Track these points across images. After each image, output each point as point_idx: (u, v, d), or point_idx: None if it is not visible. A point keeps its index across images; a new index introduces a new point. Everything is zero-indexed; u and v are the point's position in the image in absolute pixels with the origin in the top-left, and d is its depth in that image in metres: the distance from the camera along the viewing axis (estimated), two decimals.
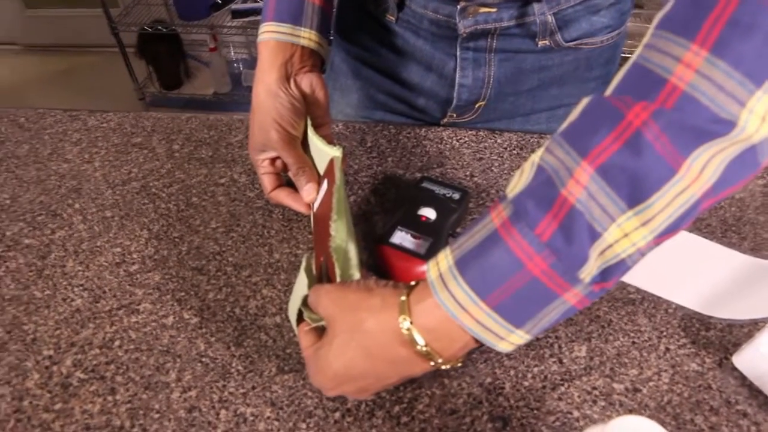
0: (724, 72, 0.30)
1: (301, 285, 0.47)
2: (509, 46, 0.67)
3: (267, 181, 0.60)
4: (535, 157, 0.36)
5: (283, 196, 0.60)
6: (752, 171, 0.33)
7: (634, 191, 0.32)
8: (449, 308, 0.36)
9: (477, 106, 0.73)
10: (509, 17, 0.63)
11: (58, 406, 0.47)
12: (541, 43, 0.66)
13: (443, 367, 0.39)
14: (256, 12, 2.13)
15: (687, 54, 0.31)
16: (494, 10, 0.63)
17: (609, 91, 0.35)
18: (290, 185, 0.61)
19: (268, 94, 0.57)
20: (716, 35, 0.30)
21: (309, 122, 0.59)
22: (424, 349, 0.37)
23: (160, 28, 2.21)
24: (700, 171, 0.31)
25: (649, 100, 0.32)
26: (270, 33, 0.58)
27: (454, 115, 0.76)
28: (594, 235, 0.33)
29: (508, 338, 0.36)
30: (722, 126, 0.31)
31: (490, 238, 0.35)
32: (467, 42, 0.67)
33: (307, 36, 0.58)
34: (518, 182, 0.36)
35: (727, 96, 0.30)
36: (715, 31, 0.30)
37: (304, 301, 0.45)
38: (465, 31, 0.65)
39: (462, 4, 0.62)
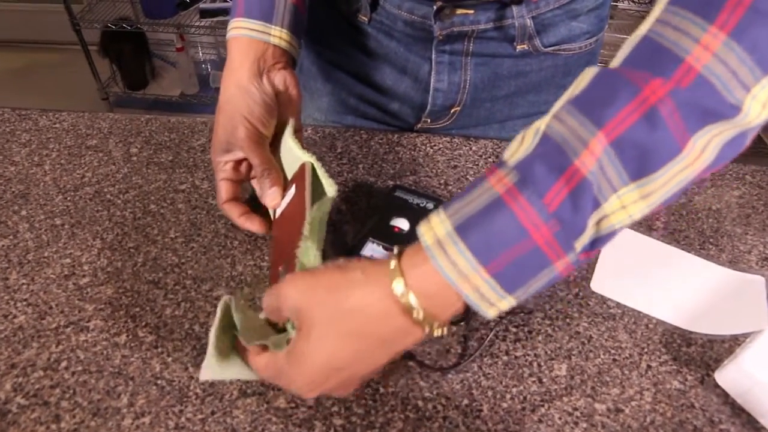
0: (739, 57, 0.31)
1: (224, 323, 0.43)
2: (486, 50, 0.65)
3: (224, 189, 0.55)
4: (540, 125, 0.35)
5: (235, 213, 0.55)
6: (737, 152, 0.34)
7: (641, 165, 0.32)
8: (448, 274, 0.34)
9: (452, 111, 0.71)
10: (486, 20, 0.61)
11: None
12: (519, 48, 0.65)
13: (435, 333, 0.37)
14: (225, 12, 2.08)
15: (705, 36, 0.31)
16: (471, 12, 0.60)
17: (617, 62, 0.35)
18: (251, 201, 0.57)
19: (239, 89, 0.53)
20: (737, 20, 0.31)
21: (290, 124, 0.55)
22: (421, 314, 0.35)
23: (124, 26, 2.14)
24: (701, 151, 0.33)
25: (665, 78, 0.32)
26: (240, 29, 0.55)
27: (429, 121, 0.73)
28: (596, 206, 0.33)
29: (498, 304, 0.35)
30: (729, 110, 0.32)
31: (493, 205, 0.33)
32: (443, 45, 0.64)
33: (278, 35, 0.55)
34: (519, 149, 0.35)
35: (738, 82, 0.31)
36: (735, 15, 0.31)
37: (243, 331, 0.42)
38: (441, 34, 0.62)
39: (438, 4, 0.60)
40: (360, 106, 0.76)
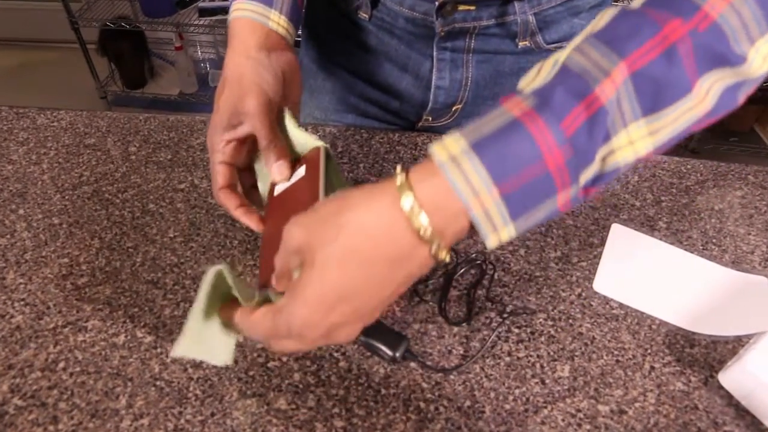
0: (751, 10, 0.33)
1: (214, 292, 0.42)
2: (488, 47, 0.64)
3: (221, 173, 0.51)
4: (559, 57, 0.35)
5: (232, 204, 0.51)
6: (733, 106, 0.36)
7: (655, 101, 0.33)
8: (461, 190, 0.33)
9: (454, 109, 0.71)
10: (488, 16, 0.61)
11: None
12: (521, 44, 0.64)
13: (440, 257, 0.36)
14: (224, 10, 2.07)
15: None
16: (473, 8, 0.60)
17: (637, 4, 0.36)
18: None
19: (248, 59, 0.51)
20: None
21: (287, 110, 0.53)
22: (429, 231, 0.34)
23: (123, 24, 2.13)
24: (705, 93, 0.34)
25: (685, 19, 0.33)
26: (242, 11, 0.53)
27: (430, 119, 0.73)
28: (606, 138, 0.33)
29: (500, 231, 0.34)
30: (736, 58, 0.33)
31: (510, 126, 0.33)
32: (444, 42, 0.64)
33: (276, 20, 0.54)
34: (535, 79, 0.35)
35: (746, 34, 0.33)
36: None
37: (241, 291, 0.41)
38: (442, 30, 0.62)
39: (440, 1, 0.59)
40: (361, 105, 0.75)
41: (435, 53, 0.65)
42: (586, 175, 0.34)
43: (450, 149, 0.34)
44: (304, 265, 0.36)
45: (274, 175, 0.51)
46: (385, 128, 0.74)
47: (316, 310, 0.35)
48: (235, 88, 0.51)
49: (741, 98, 0.36)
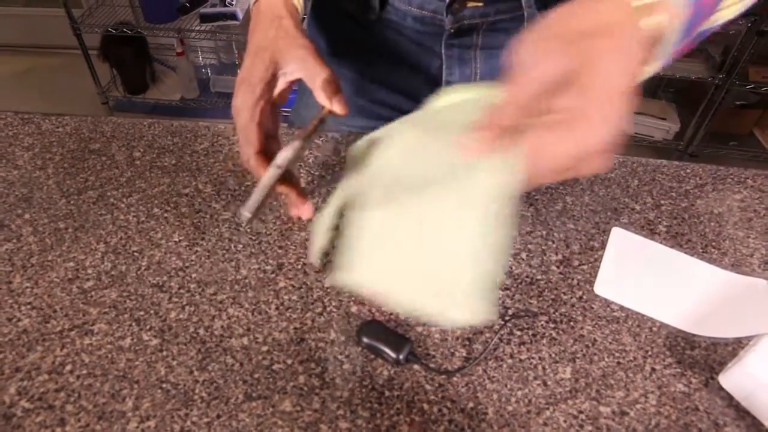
0: None
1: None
2: (494, 42, 0.66)
3: (257, 135, 0.48)
4: None
5: (267, 174, 0.48)
6: None
7: None
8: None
9: None
10: (496, 12, 0.62)
11: None
12: None
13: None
14: (225, 16, 2.08)
15: None
16: (481, 4, 0.61)
17: None
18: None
19: (296, 25, 0.51)
20: None
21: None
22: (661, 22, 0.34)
23: (125, 30, 2.14)
24: None
25: None
26: None
27: None
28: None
29: (665, 46, 0.36)
30: None
31: None
32: (452, 39, 0.65)
33: None
34: None
35: None
36: None
37: None
38: (452, 27, 0.63)
39: None
40: (368, 107, 0.76)
41: (443, 50, 0.66)
42: (704, 24, 0.39)
43: None
44: (583, 75, 0.33)
45: (336, 109, 0.51)
46: None
47: (614, 99, 0.33)
48: (275, 34, 0.50)
49: None
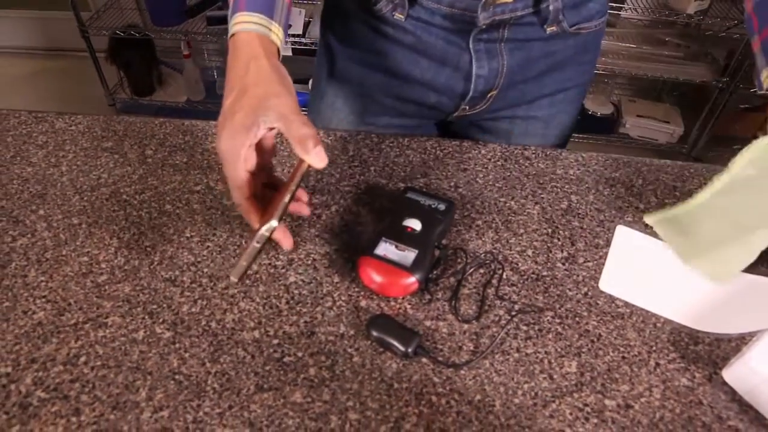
0: None
1: None
2: (519, 35, 0.68)
3: (249, 183, 0.50)
4: None
5: (255, 217, 0.51)
6: None
7: None
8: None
9: (489, 95, 0.74)
10: (524, 6, 0.65)
11: (15, 429, 0.44)
12: (549, 30, 0.68)
13: None
14: None
15: None
16: (510, 0, 0.64)
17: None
18: None
19: (272, 67, 0.51)
20: None
21: None
22: None
23: (132, 33, 2.16)
24: None
25: None
26: (245, 24, 0.52)
27: (467, 108, 0.76)
28: None
29: None
30: None
31: None
32: (481, 34, 0.67)
33: (276, 32, 0.54)
34: None
35: None
36: None
37: None
38: (484, 23, 0.65)
39: None
40: (397, 105, 0.78)
41: (471, 45, 0.68)
42: None
43: None
44: None
45: (314, 162, 0.50)
46: (417, 124, 0.80)
47: None
48: (264, 88, 0.50)
49: None
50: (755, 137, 0.54)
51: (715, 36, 2.01)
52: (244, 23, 0.53)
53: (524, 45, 0.69)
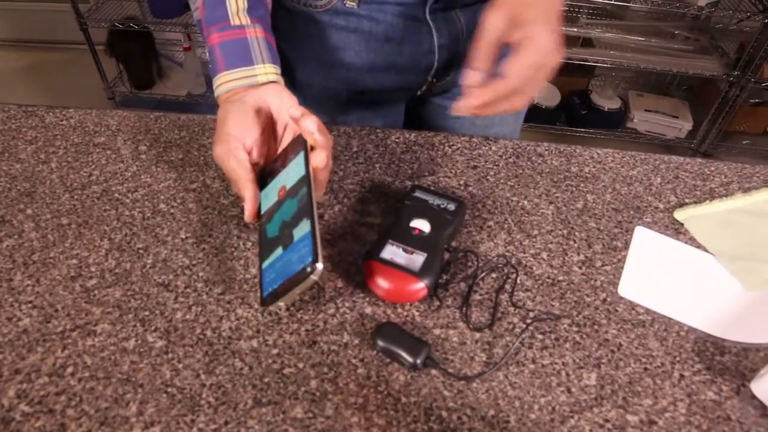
0: None
1: None
2: None
3: (245, 168, 0.52)
4: None
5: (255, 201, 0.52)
6: None
7: None
8: None
9: (454, 65, 0.74)
10: None
11: None
12: None
13: None
14: None
15: None
16: None
17: None
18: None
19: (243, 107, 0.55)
20: None
21: None
22: None
23: (132, 25, 2.12)
24: None
25: None
26: (228, 83, 0.56)
27: (434, 81, 0.75)
28: None
29: None
30: None
31: None
32: (436, 3, 0.66)
33: (263, 71, 0.56)
34: None
35: None
36: None
37: None
38: None
39: None
40: (365, 97, 0.76)
41: (428, 17, 0.67)
42: None
43: None
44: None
45: (307, 126, 0.50)
46: (389, 110, 0.79)
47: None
48: (245, 99, 0.54)
49: None
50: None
51: (726, 29, 1.97)
52: (227, 83, 0.56)
53: (480, 7, 0.67)
